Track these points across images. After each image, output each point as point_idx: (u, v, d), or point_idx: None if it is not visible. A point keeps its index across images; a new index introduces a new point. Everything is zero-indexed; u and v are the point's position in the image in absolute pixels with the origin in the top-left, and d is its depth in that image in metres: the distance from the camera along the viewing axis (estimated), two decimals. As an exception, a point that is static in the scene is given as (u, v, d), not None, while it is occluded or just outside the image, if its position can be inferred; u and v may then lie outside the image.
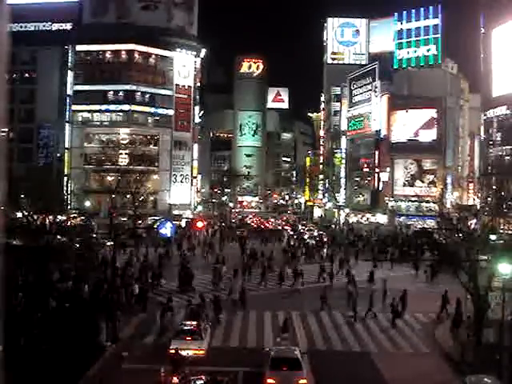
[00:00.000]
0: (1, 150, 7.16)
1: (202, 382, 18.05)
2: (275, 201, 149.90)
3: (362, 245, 57.37)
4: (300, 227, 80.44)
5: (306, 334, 26.69)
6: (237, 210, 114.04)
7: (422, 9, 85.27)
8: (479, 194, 67.60)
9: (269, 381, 19.13)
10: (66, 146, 77.47)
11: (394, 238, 60.30)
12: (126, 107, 77.47)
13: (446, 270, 41.25)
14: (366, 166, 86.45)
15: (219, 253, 47.50)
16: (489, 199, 51.76)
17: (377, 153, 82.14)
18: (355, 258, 47.81)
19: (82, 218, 62.89)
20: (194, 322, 24.27)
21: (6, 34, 7.86)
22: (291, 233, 73.11)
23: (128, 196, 65.42)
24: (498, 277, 23.28)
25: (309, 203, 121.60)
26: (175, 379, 18.45)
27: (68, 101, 77.65)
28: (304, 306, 31.75)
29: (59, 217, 50.14)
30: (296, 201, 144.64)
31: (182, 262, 40.55)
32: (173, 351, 20.58)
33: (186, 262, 40.59)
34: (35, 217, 37.82)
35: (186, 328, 23.50)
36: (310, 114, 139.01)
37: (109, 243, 45.61)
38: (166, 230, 44.94)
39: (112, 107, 77.78)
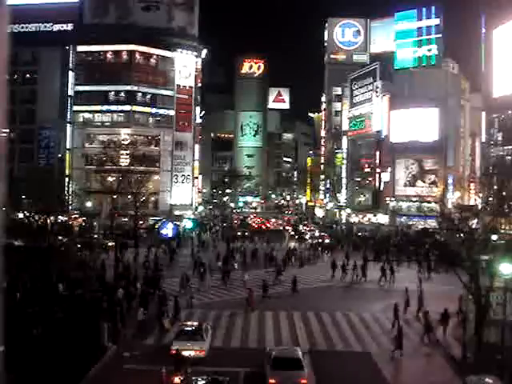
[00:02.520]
0: (1, 150, 7.16)
1: (204, 382, 18.09)
2: (276, 201, 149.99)
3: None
4: (301, 227, 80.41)
5: (307, 333, 26.72)
6: (238, 211, 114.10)
7: (422, 9, 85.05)
8: (480, 194, 67.51)
9: (270, 381, 19.18)
10: (67, 146, 77.52)
11: (410, 239, 59.54)
12: (127, 108, 77.50)
13: (446, 270, 41.85)
14: (367, 166, 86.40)
15: (198, 254, 47.06)
16: (490, 199, 51.73)
17: (378, 153, 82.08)
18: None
19: (83, 218, 63.11)
20: (196, 323, 24.67)
21: (6, 35, 7.87)
22: (292, 233, 73.09)
23: (129, 196, 65.44)
24: (500, 277, 23.26)
25: (310, 203, 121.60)
26: (176, 379, 18.48)
27: (69, 101, 77.73)
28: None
29: (60, 217, 50.25)
30: (297, 201, 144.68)
31: (155, 264, 39.51)
32: (174, 351, 20.89)
33: (157, 264, 39.54)
34: (36, 217, 37.83)
35: (187, 329, 23.72)
36: (310, 114, 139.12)
37: (110, 243, 45.75)
38: (167, 230, 45.07)
39: (113, 108, 77.82)
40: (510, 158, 64.62)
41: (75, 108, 77.72)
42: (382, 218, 79.66)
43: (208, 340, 23.35)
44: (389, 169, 79.45)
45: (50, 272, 28.84)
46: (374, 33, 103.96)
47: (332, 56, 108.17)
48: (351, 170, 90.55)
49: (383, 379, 21.09)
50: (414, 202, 77.20)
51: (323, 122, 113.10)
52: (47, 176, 61.75)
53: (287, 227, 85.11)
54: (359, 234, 70.14)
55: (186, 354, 21.19)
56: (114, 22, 78.14)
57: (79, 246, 38.98)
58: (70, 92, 77.78)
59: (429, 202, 74.72)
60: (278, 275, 38.83)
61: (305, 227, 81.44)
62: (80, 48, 77.94)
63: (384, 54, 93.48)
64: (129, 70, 77.78)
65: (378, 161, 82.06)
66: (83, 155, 76.81)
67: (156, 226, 59.09)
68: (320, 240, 61.68)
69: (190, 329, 23.66)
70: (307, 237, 67.82)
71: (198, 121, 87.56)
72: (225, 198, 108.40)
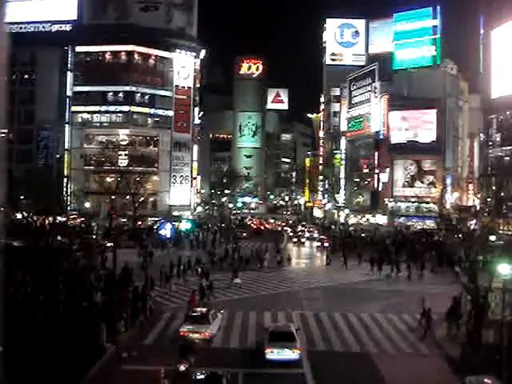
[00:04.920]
0: (0, 151, 7.15)
1: (203, 376, 18.53)
2: (275, 202, 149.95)
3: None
4: (300, 228, 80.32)
5: (306, 335, 26.72)
6: (238, 212, 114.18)
7: (421, 9, 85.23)
8: (479, 195, 67.66)
9: (267, 351, 22.04)
10: (66, 147, 77.51)
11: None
12: (125, 108, 77.48)
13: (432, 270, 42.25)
14: (365, 166, 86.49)
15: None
16: (488, 200, 51.86)
17: (376, 153, 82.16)
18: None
19: (82, 219, 63.05)
20: (204, 309, 26.86)
21: (5, 36, 7.87)
22: (291, 234, 72.95)
23: (128, 197, 65.44)
24: (498, 277, 23.28)
25: (308, 204, 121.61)
26: (182, 367, 19.38)
27: (68, 102, 77.72)
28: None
29: (59, 218, 50.19)
30: (296, 202, 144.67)
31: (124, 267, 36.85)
32: (183, 333, 23.99)
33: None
34: (35, 218, 37.75)
35: (195, 314, 26.01)
36: (309, 115, 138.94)
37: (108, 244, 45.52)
38: (166, 231, 44.92)
39: (112, 108, 77.79)
40: (508, 158, 64.71)
41: (74, 108, 77.70)
42: (381, 219, 79.72)
43: (215, 324, 25.62)
44: (387, 169, 79.54)
45: (48, 273, 28.78)
46: (373, 33, 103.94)
47: (331, 57, 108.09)
48: (350, 170, 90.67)
49: (382, 380, 21.08)
50: (413, 202, 77.39)
51: (322, 122, 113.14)
52: (46, 177, 61.80)
53: (286, 228, 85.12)
54: (362, 234, 69.64)
55: (193, 336, 23.91)
56: (112, 22, 78.13)
57: (76, 246, 38.78)
58: (69, 92, 77.77)
59: (427, 203, 74.99)
60: (233, 278, 38.22)
61: (303, 228, 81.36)
62: (79, 48, 77.95)
63: (383, 54, 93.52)
64: (127, 70, 77.75)
65: (376, 161, 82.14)
66: (82, 156, 76.80)
67: (154, 227, 59.04)
68: (319, 243, 60.52)
69: (197, 314, 25.91)
70: (303, 240, 66.92)
71: (197, 121, 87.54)
72: (223, 199, 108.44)
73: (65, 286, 28.88)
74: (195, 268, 40.93)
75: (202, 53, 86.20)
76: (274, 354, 21.93)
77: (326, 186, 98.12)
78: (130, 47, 77.63)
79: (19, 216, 44.78)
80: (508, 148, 64.61)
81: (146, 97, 78.64)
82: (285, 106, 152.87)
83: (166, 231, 43.70)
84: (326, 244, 59.09)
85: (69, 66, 78.06)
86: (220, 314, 27.47)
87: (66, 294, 27.91)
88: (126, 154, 76.24)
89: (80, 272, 31.11)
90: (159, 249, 51.98)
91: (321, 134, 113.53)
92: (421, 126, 77.13)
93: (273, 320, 28.90)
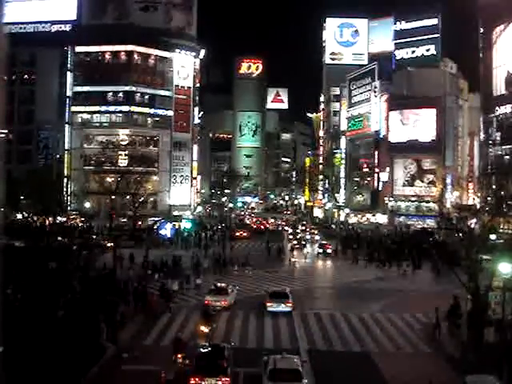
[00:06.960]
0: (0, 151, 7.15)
1: (206, 350, 20.31)
2: (275, 201, 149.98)
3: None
4: (300, 228, 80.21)
5: (306, 334, 26.73)
6: (239, 212, 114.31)
7: (420, 8, 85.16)
8: (479, 194, 67.62)
9: (268, 304, 30.22)
10: (66, 147, 77.44)
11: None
12: (125, 108, 77.40)
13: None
14: (365, 166, 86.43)
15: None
16: (488, 199, 51.83)
17: (376, 153, 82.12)
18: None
19: (82, 219, 63.10)
20: (224, 284, 33.31)
21: (4, 36, 7.86)
22: (291, 236, 72.46)
23: (128, 197, 65.45)
24: (498, 276, 23.29)
25: (309, 203, 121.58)
26: (206, 329, 24.45)
27: (67, 102, 77.59)
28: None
29: (59, 218, 50.28)
30: (296, 201, 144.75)
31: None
32: (207, 302, 30.12)
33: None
34: (35, 218, 37.81)
35: (215, 288, 32.27)
36: (309, 115, 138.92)
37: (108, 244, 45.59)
38: (166, 231, 44.97)
39: (111, 108, 77.69)
40: (508, 157, 64.64)
41: (74, 109, 77.60)
42: (381, 218, 79.70)
43: (232, 296, 32.07)
44: (387, 169, 79.49)
45: (49, 272, 28.77)
46: (373, 33, 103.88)
47: (330, 56, 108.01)
48: (350, 169, 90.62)
49: (382, 379, 21.08)
50: (413, 201, 77.35)
51: (322, 122, 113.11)
52: (46, 177, 61.78)
53: (286, 227, 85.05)
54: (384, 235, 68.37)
55: (215, 304, 30.18)
56: (112, 22, 78.07)
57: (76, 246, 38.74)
58: (69, 93, 77.65)
59: (427, 202, 74.98)
60: (196, 279, 37.95)
61: (304, 228, 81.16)
62: (78, 48, 77.85)
63: (382, 53, 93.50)
64: (127, 70, 77.66)
65: (376, 161, 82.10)
66: (82, 156, 76.76)
67: (154, 227, 59.07)
68: (321, 250, 55.63)
69: (218, 287, 32.33)
70: (304, 242, 63.84)
71: (197, 121, 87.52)
72: (223, 199, 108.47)
73: (65, 286, 28.93)
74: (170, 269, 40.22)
75: (202, 53, 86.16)
76: (272, 307, 30.14)
77: (326, 185, 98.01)
78: (129, 47, 77.56)
79: (19, 216, 44.86)
80: (508, 147, 64.52)
81: (146, 97, 78.56)
82: (285, 106, 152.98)
83: (166, 231, 43.77)
84: (329, 250, 55.49)
85: (68, 66, 77.91)
86: (235, 289, 33.68)
87: (66, 293, 27.99)
88: (125, 154, 76.20)
89: (77, 272, 31.14)
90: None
91: (321, 133, 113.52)
92: (421, 125, 77.04)
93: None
